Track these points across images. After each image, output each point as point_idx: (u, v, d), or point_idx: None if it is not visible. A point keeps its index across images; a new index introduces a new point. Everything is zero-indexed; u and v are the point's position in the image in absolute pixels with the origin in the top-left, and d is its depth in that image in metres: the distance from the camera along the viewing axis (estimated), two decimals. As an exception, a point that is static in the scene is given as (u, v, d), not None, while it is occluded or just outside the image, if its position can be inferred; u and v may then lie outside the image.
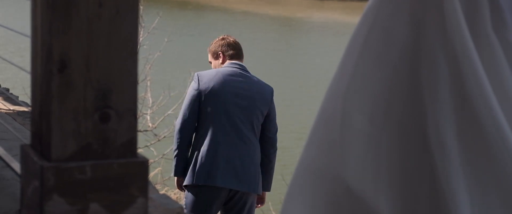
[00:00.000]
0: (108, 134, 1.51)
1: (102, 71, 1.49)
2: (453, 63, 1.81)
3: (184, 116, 4.39)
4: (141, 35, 9.03)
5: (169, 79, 11.65)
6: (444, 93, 1.81)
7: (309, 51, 21.28)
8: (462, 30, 1.81)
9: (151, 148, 8.93)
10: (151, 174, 8.47)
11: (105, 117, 1.50)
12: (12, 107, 3.31)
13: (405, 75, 1.86)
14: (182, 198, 4.56)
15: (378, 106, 1.88)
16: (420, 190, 1.81)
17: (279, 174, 8.25)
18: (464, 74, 1.80)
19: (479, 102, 1.79)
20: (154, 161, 8.72)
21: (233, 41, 4.64)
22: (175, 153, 4.43)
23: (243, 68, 4.53)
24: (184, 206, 4.42)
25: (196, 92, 4.38)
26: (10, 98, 3.60)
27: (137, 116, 1.56)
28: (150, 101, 9.56)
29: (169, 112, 9.40)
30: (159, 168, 8.75)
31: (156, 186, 7.24)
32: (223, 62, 4.56)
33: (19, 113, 3.18)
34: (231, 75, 4.44)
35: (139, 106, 8.88)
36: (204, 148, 4.35)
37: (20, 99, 3.95)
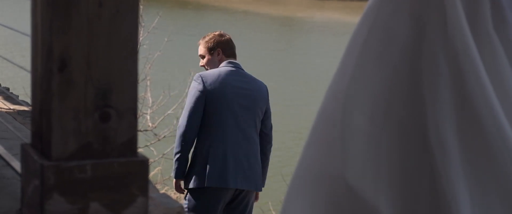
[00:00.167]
0: (109, 133, 1.51)
1: (102, 70, 1.49)
2: (454, 62, 1.81)
3: (189, 118, 4.33)
4: (141, 35, 9.03)
5: (169, 79, 11.65)
6: (444, 92, 1.81)
7: (309, 51, 21.28)
8: (463, 29, 1.81)
9: (151, 148, 8.93)
10: (151, 174, 8.47)
11: (106, 116, 1.50)
12: (12, 106, 3.31)
13: (406, 75, 1.86)
14: (182, 198, 4.54)
15: (378, 106, 1.88)
16: (420, 190, 1.81)
17: (279, 174, 8.25)
18: (464, 73, 1.80)
19: (479, 102, 1.79)
20: (154, 161, 8.72)
21: (230, 39, 4.63)
22: (178, 156, 4.37)
23: (240, 67, 4.54)
24: (186, 207, 4.40)
25: (201, 93, 4.33)
26: (11, 97, 3.60)
27: (137, 116, 1.56)
28: (150, 101, 9.56)
29: (169, 112, 9.41)
30: (159, 168, 8.75)
31: (156, 185, 7.24)
32: (220, 60, 4.52)
33: (20, 112, 3.18)
34: (233, 75, 4.45)
35: (139, 106, 8.88)
36: (212, 150, 4.32)
37: (20, 98, 3.95)
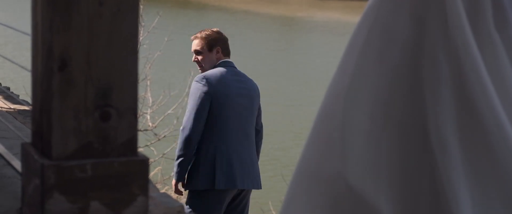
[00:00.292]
0: (109, 132, 1.51)
1: (103, 69, 1.49)
2: (455, 61, 1.81)
3: (195, 120, 4.26)
4: (141, 34, 9.03)
5: (169, 79, 11.66)
6: (445, 92, 1.81)
7: (310, 51, 21.28)
8: (464, 29, 1.81)
9: (151, 148, 8.93)
10: (152, 173, 8.47)
11: (106, 116, 1.50)
12: (13, 106, 3.31)
13: (406, 74, 1.86)
14: (183, 197, 4.53)
15: (378, 106, 1.88)
16: (421, 190, 1.81)
17: (279, 174, 8.25)
18: (465, 72, 1.80)
19: (481, 101, 1.78)
20: (154, 160, 8.72)
21: (227, 38, 4.61)
22: (181, 159, 4.31)
23: (235, 66, 4.53)
24: (188, 208, 4.36)
25: (206, 95, 4.28)
26: (11, 97, 3.61)
27: (138, 115, 1.56)
28: (150, 101, 9.56)
29: (169, 112, 9.40)
30: (159, 167, 8.75)
31: (156, 185, 7.24)
32: (218, 59, 4.47)
33: (20, 111, 3.18)
34: (232, 75, 4.44)
35: (139, 106, 8.87)
36: (219, 151, 4.30)
37: (21, 98, 3.96)
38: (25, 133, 2.46)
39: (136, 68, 1.53)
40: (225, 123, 4.33)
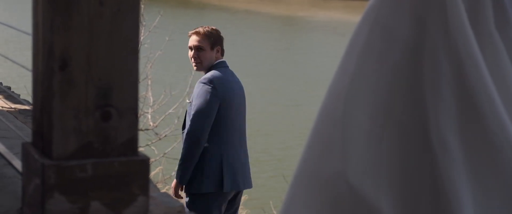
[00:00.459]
0: (109, 132, 1.51)
1: (103, 69, 1.49)
2: (456, 61, 1.81)
3: (204, 124, 4.19)
4: (142, 34, 9.03)
5: (170, 78, 11.66)
6: (446, 91, 1.81)
7: (310, 50, 21.28)
8: (465, 28, 1.81)
9: (152, 147, 8.93)
10: (152, 173, 8.47)
11: (106, 115, 1.50)
12: (13, 106, 3.31)
13: (407, 74, 1.86)
14: (183, 197, 4.51)
15: (379, 105, 1.88)
16: (422, 190, 1.81)
17: (280, 174, 8.25)
18: (466, 72, 1.80)
19: (482, 101, 1.78)
20: (155, 160, 8.72)
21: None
22: (188, 162, 4.24)
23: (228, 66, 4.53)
24: (188, 211, 4.35)
25: (216, 98, 4.23)
26: (12, 97, 3.61)
27: (138, 115, 1.56)
28: (151, 100, 9.56)
29: (170, 111, 9.40)
30: (160, 167, 8.75)
31: (157, 184, 7.24)
32: (216, 58, 4.42)
33: (21, 111, 3.18)
34: (231, 76, 4.45)
35: (140, 105, 8.86)
36: (225, 154, 4.28)
37: (21, 97, 3.96)
38: (26, 133, 2.46)
39: (136, 68, 1.53)
40: (229, 125, 4.33)
